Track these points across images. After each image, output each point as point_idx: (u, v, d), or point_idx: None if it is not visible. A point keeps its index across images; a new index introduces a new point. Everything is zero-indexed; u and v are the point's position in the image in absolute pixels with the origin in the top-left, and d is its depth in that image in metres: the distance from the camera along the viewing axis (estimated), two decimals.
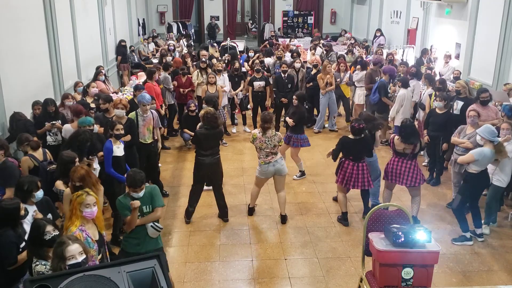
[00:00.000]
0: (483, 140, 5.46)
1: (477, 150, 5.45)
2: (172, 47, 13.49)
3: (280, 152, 6.37)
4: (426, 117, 7.31)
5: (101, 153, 5.59)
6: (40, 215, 4.06)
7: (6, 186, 4.74)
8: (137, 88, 7.63)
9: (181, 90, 9.39)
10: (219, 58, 11.89)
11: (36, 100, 6.75)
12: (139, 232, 4.28)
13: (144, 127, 6.58)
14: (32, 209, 4.12)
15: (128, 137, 6.06)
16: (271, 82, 10.18)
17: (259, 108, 9.83)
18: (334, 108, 9.97)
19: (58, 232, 3.54)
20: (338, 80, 9.95)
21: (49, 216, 4.09)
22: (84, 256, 3.12)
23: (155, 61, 13.55)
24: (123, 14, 14.43)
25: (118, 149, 5.67)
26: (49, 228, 3.49)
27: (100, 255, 3.74)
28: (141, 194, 4.25)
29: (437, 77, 9.23)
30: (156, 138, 6.79)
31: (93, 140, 5.32)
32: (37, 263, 3.34)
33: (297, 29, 20.18)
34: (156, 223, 4.29)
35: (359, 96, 9.79)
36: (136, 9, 16.26)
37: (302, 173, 7.68)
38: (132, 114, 6.53)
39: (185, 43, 15.46)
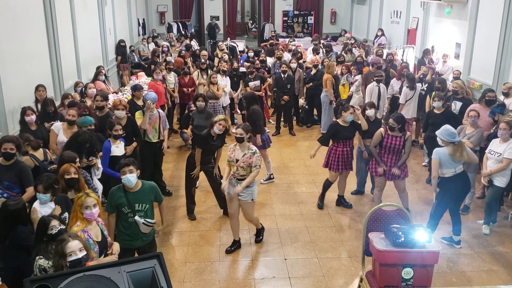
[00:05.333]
0: (444, 143, 5.34)
1: (434, 151, 5.38)
2: (166, 49, 13.40)
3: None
4: (425, 118, 7.31)
5: (101, 153, 5.60)
6: (59, 210, 4.07)
7: (26, 186, 4.73)
8: (135, 89, 7.63)
9: (184, 89, 9.39)
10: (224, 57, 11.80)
11: (39, 84, 6.87)
12: (132, 227, 4.28)
13: (150, 125, 6.62)
14: (52, 205, 4.14)
15: (135, 144, 6.16)
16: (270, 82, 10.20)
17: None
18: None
19: (64, 226, 3.57)
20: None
21: (65, 215, 4.08)
22: (84, 252, 3.14)
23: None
24: (123, 14, 14.42)
25: (117, 149, 5.69)
26: (55, 222, 3.53)
27: (102, 256, 3.75)
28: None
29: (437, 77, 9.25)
30: (162, 138, 6.80)
31: (93, 141, 5.31)
32: (41, 257, 3.36)
33: (298, 26, 20.17)
34: (147, 219, 4.26)
35: (356, 99, 9.73)
36: (136, 9, 16.25)
37: (269, 177, 7.51)
38: (138, 113, 6.58)
39: (197, 43, 15.59)
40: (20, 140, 4.96)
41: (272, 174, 7.55)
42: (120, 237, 4.30)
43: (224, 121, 5.83)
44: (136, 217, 4.23)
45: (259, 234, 5.76)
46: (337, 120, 6.51)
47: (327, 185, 6.61)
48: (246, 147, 5.20)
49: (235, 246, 5.57)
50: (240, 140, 5.18)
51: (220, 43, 13.60)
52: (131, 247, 4.35)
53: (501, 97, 7.37)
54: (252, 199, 5.33)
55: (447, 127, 5.37)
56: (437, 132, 5.41)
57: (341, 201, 6.68)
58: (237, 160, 5.16)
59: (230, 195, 5.35)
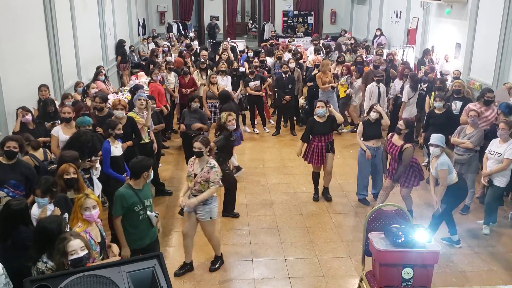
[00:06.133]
0: (441, 150, 5.29)
1: (441, 162, 5.26)
2: (167, 48, 13.40)
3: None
4: (426, 119, 7.31)
5: (100, 153, 5.58)
6: (58, 212, 4.07)
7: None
8: (137, 88, 7.64)
9: (184, 90, 9.38)
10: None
11: (42, 84, 6.95)
12: (141, 225, 4.33)
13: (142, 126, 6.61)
14: (51, 207, 4.13)
15: (130, 143, 6.13)
16: (271, 82, 10.21)
17: (256, 108, 9.86)
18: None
19: (87, 252, 3.57)
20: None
21: (65, 215, 4.07)
22: (86, 251, 3.14)
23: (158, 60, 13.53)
24: (123, 14, 14.43)
25: (116, 149, 5.66)
26: (65, 223, 3.59)
27: (101, 256, 3.75)
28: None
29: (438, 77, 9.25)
30: (152, 139, 6.81)
31: (94, 141, 5.32)
32: (40, 260, 3.35)
33: (297, 29, 20.18)
34: (155, 211, 4.44)
35: (354, 99, 9.74)
36: (136, 9, 16.26)
37: (238, 169, 7.65)
38: (131, 114, 6.57)
39: (197, 43, 15.61)
40: (24, 141, 4.96)
41: (238, 165, 7.68)
42: (129, 238, 4.31)
43: (230, 115, 6.14)
44: (148, 212, 4.34)
45: (216, 261, 5.22)
46: (314, 116, 6.71)
47: (314, 177, 6.91)
48: (205, 161, 4.91)
49: (185, 269, 5.11)
50: (199, 155, 4.89)
51: (225, 43, 13.57)
52: (142, 246, 4.40)
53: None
54: (210, 217, 4.95)
55: (439, 135, 5.39)
56: (435, 142, 5.29)
57: (324, 193, 6.93)
58: (195, 175, 4.87)
59: (187, 212, 5.07)
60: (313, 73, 10.13)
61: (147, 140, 6.69)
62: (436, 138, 5.32)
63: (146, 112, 6.59)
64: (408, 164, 5.76)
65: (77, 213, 3.73)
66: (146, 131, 6.67)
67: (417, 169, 5.86)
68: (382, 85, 8.67)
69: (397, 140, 5.86)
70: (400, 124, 5.90)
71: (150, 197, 4.42)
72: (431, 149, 5.36)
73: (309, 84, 10.15)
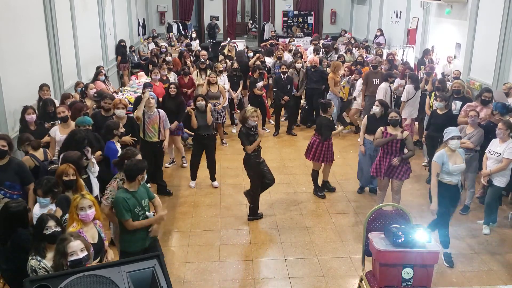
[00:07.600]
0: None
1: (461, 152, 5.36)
2: (164, 49, 13.38)
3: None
4: (428, 119, 7.32)
5: (99, 153, 5.56)
6: (60, 212, 4.06)
7: (26, 184, 4.74)
8: (145, 86, 7.67)
9: (183, 90, 9.37)
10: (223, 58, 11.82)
11: (44, 83, 7.00)
12: (142, 228, 4.31)
13: (149, 124, 6.66)
14: (53, 207, 4.13)
15: (129, 139, 6.12)
16: (270, 82, 10.21)
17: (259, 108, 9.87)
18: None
19: (60, 229, 3.54)
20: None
21: (66, 216, 4.07)
22: (85, 252, 3.14)
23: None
24: (123, 14, 14.43)
25: (119, 149, 5.69)
26: (51, 223, 3.50)
27: (98, 259, 3.73)
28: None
29: (439, 77, 9.25)
30: (162, 138, 6.81)
31: (90, 138, 5.30)
32: (33, 257, 3.36)
33: (297, 29, 20.18)
34: (153, 212, 4.43)
35: (357, 102, 9.76)
36: (136, 9, 16.26)
37: (172, 161, 8.23)
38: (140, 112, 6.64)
39: (198, 43, 15.58)
40: (10, 137, 4.93)
41: (174, 158, 8.23)
42: (129, 242, 4.29)
43: (255, 111, 6.12)
44: (147, 213, 4.33)
45: None
46: (325, 115, 6.83)
47: (315, 176, 7.00)
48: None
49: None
50: None
51: (231, 44, 13.53)
52: (144, 247, 4.39)
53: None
54: None
55: (455, 127, 5.40)
56: (458, 134, 5.19)
57: (326, 186, 7.10)
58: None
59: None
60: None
61: (153, 140, 6.70)
62: (456, 130, 5.25)
63: (150, 113, 6.64)
64: (413, 148, 6.01)
65: (72, 213, 3.72)
66: (155, 131, 6.69)
67: (409, 163, 6.00)
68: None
69: (393, 129, 5.91)
70: (393, 115, 5.92)
71: (146, 198, 4.37)
72: (454, 142, 5.09)
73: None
